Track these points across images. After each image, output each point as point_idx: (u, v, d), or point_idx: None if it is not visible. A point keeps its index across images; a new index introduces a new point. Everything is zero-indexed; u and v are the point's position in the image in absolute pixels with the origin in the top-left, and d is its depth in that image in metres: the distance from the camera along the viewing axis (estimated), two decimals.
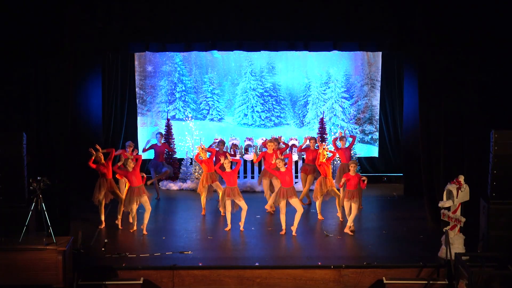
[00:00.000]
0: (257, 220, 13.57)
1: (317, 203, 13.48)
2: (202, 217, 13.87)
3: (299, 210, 12.49)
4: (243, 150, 16.23)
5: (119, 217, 13.19)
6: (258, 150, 16.25)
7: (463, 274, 10.33)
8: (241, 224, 12.84)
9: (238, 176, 15.22)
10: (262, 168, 14.42)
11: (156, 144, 15.32)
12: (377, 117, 17.15)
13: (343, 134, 14.59)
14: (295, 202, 12.44)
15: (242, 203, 12.74)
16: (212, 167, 13.70)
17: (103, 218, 13.16)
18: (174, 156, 16.66)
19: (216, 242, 12.39)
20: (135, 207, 12.66)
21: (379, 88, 17.05)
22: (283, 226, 12.67)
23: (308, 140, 14.33)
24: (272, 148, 13.70)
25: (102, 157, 12.98)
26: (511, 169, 11.15)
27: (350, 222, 12.61)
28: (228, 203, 12.74)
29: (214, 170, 13.63)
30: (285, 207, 12.54)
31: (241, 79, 17.12)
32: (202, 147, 13.79)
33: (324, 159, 13.10)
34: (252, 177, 16.41)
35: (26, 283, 10.47)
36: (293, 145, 16.24)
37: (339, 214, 13.58)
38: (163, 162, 15.42)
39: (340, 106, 17.11)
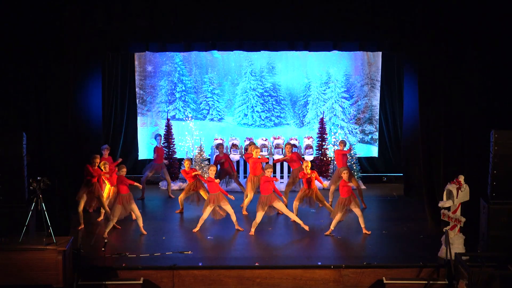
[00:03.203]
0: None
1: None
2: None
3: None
4: (243, 150, 16.22)
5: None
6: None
7: (463, 274, 10.34)
8: (236, 225, 12.87)
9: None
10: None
11: (157, 146, 15.36)
12: (377, 117, 17.14)
13: (344, 141, 14.59)
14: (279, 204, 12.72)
15: (228, 207, 12.74)
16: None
17: (82, 220, 13.11)
18: (174, 156, 16.65)
19: (216, 242, 12.39)
20: (122, 215, 12.61)
21: (379, 88, 17.05)
22: (252, 229, 12.77)
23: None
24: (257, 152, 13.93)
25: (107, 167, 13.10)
26: (511, 169, 11.16)
27: (362, 224, 12.70)
28: (208, 210, 12.74)
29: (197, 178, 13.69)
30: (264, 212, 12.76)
31: (241, 79, 17.11)
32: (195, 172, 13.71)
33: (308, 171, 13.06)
34: None
35: (26, 283, 10.48)
36: (293, 145, 16.24)
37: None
38: (163, 164, 15.48)
39: (340, 106, 17.11)
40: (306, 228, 12.73)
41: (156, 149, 15.38)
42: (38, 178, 10.61)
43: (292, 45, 14.67)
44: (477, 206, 11.60)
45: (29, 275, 10.45)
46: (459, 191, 11.22)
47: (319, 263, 11.18)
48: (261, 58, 16.96)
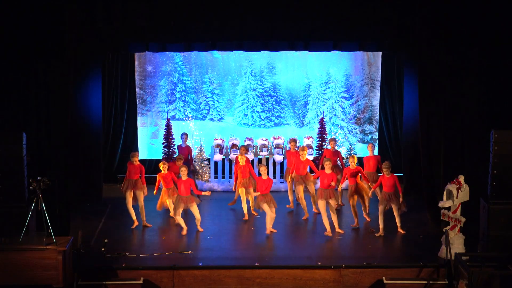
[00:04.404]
0: (257, 220, 13.57)
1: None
2: (202, 217, 13.83)
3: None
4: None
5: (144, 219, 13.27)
6: (258, 150, 16.25)
7: (463, 274, 10.33)
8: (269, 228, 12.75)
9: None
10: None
11: (180, 145, 15.19)
12: (377, 117, 17.15)
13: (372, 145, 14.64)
14: (333, 202, 12.60)
15: (272, 209, 12.62)
16: (247, 173, 13.68)
17: (135, 217, 13.21)
18: (174, 156, 16.62)
19: (216, 242, 12.39)
20: (179, 213, 12.69)
21: (379, 88, 17.05)
22: (327, 228, 12.65)
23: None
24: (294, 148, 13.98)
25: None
26: (511, 169, 11.16)
27: (398, 223, 12.72)
28: (266, 207, 12.51)
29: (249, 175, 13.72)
30: (325, 208, 12.63)
31: (241, 79, 17.11)
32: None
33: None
34: None
35: (26, 283, 10.47)
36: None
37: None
38: (192, 164, 15.19)
39: (340, 106, 17.11)
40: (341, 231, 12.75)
41: (178, 148, 15.15)
42: (38, 178, 10.60)
43: (292, 45, 14.67)
44: (477, 206, 11.60)
45: (29, 275, 10.44)
46: (459, 191, 11.22)
47: (319, 263, 11.18)
48: (261, 58, 16.96)
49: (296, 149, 14.46)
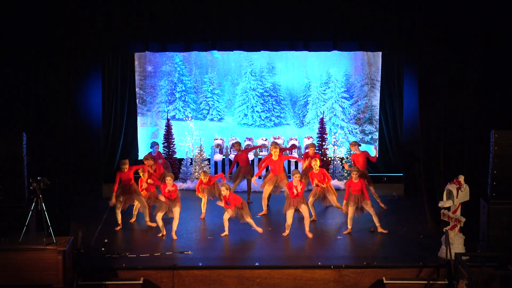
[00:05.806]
0: (257, 220, 13.57)
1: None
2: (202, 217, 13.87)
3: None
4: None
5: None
6: (258, 150, 16.24)
7: (463, 274, 10.34)
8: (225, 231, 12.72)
9: None
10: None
11: (151, 153, 14.97)
12: (377, 117, 17.14)
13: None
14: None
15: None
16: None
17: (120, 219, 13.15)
18: (174, 156, 16.63)
19: (216, 242, 12.40)
20: (160, 215, 12.61)
21: (379, 88, 17.04)
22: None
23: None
24: (278, 154, 13.71)
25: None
26: (511, 169, 11.16)
27: (377, 222, 12.76)
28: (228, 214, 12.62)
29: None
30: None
31: (241, 79, 17.11)
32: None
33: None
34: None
35: (26, 283, 10.49)
36: (293, 145, 16.24)
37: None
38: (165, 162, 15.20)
39: (340, 106, 17.11)
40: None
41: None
42: (38, 178, 10.61)
43: (292, 45, 14.67)
44: (477, 206, 11.61)
45: (29, 275, 10.46)
46: (459, 191, 11.22)
47: (319, 263, 11.19)
48: (261, 58, 16.96)
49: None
